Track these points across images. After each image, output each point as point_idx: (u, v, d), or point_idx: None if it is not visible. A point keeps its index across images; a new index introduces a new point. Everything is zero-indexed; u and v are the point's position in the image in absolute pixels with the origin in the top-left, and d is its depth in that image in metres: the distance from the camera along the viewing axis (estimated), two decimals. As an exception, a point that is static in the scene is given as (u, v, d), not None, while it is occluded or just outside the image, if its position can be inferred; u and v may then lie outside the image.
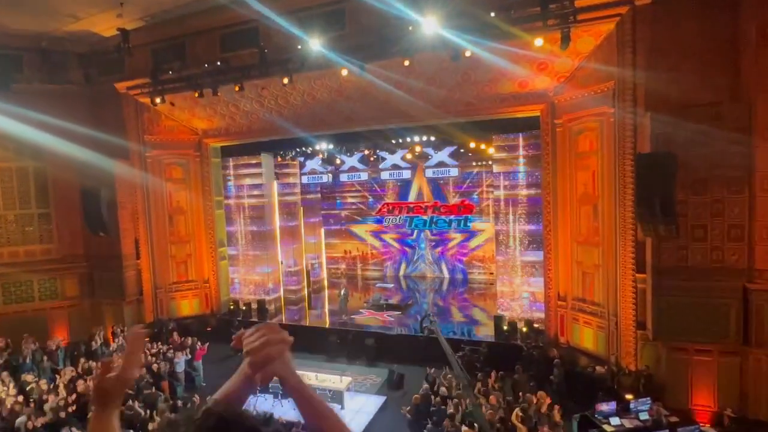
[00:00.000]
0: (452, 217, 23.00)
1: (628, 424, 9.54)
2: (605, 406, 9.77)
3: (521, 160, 15.11)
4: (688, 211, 9.93)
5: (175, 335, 15.43)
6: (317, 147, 18.64)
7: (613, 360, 11.52)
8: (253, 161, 18.82)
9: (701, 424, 9.49)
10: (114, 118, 16.23)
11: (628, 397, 10.23)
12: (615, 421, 9.58)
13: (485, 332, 15.39)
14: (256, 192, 18.82)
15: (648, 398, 9.93)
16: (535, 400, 9.99)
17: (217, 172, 18.31)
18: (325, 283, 23.48)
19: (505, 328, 14.29)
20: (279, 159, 20.03)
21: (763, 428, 9.41)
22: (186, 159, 17.70)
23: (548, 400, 9.94)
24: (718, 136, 9.45)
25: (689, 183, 9.84)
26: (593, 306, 12.39)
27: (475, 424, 9.16)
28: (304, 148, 19.01)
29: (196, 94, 14.72)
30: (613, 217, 11.54)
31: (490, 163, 19.06)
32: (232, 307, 18.23)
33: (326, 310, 20.38)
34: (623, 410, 9.83)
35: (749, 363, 9.76)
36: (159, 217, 17.26)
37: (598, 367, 11.49)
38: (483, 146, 17.91)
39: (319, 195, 24.51)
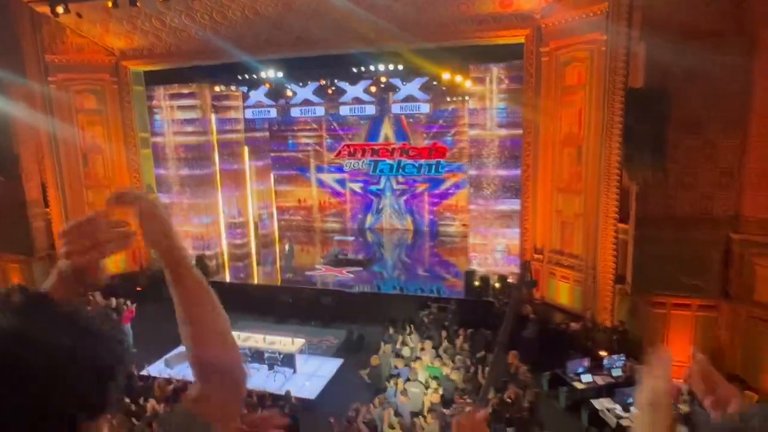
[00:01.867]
0: (422, 161, 22.97)
1: (600, 380, 10.26)
2: (577, 364, 10.42)
3: (501, 95, 15.03)
4: (679, 156, 10.23)
5: (98, 297, 15.08)
6: (263, 74, 17.82)
7: (588, 316, 12.18)
8: (186, 90, 17.87)
9: (674, 380, 10.31)
10: (4, 33, 14.81)
11: (602, 353, 10.93)
12: (587, 378, 10.27)
13: (456, 289, 15.88)
14: (190, 128, 18.01)
15: (622, 355, 10.64)
16: (496, 358, 10.50)
17: (140, 103, 17.31)
18: (276, 236, 23.33)
19: (477, 283, 14.76)
20: (217, 88, 19.09)
21: (736, 383, 10.34)
22: (100, 86, 16.58)
23: (516, 359, 10.47)
24: (716, 71, 9.60)
25: (683, 124, 10.06)
26: (571, 259, 12.91)
27: (441, 386, 9.59)
28: (247, 76, 18.14)
29: (109, 3, 13.58)
30: (598, 161, 11.80)
31: (466, 99, 18.88)
32: (165, 263, 17.86)
33: (277, 266, 20.37)
34: (596, 367, 10.52)
35: (726, 317, 10.54)
36: (70, 157, 16.32)
37: (572, 324, 12.16)
38: (458, 78, 17.62)
39: (267, 133, 23.76)
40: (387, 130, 23.10)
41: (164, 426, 0.97)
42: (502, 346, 10.25)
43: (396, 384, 9.72)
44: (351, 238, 22.95)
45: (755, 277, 10.05)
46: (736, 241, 10.20)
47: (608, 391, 9.92)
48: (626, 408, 9.19)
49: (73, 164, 16.40)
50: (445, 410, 8.81)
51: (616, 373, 10.37)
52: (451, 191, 22.76)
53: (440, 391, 9.56)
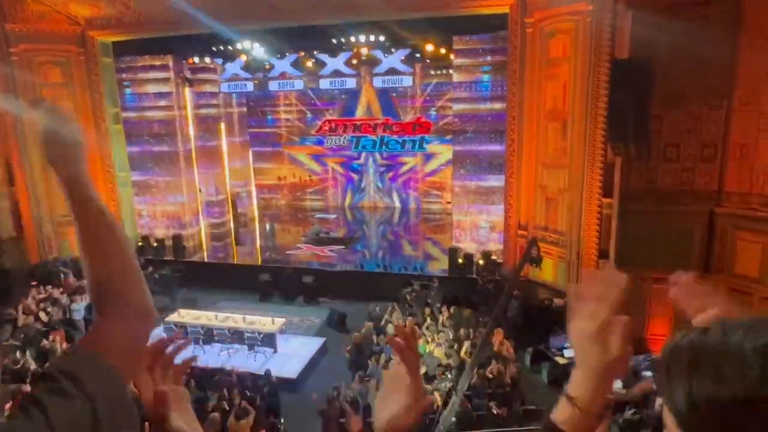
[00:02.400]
0: (406, 137, 22.97)
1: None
2: (559, 339, 10.74)
3: (485, 67, 15.05)
4: (662, 128, 10.43)
5: (71, 278, 15.00)
6: (239, 46, 17.55)
7: (572, 292, 12.47)
8: (158, 63, 17.53)
9: (654, 353, 10.71)
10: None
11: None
12: (569, 353, 10.59)
13: (440, 267, 16.10)
14: (163, 102, 17.73)
15: (605, 329, 10.96)
16: (487, 336, 10.77)
17: (109, 76, 16.94)
18: (256, 214, 23.28)
19: (461, 261, 14.99)
20: (191, 61, 18.76)
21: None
22: (66, 57, 16.15)
23: (501, 336, 10.75)
24: (701, 42, 9.74)
25: (667, 95, 10.24)
26: (555, 235, 13.16)
27: (423, 363, 9.82)
28: (222, 48, 17.84)
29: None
30: (583, 135, 11.95)
31: (450, 72, 18.83)
32: (140, 243, 17.77)
33: (257, 245, 20.39)
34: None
35: (708, 290, 10.90)
36: (36, 133, 15.91)
37: (556, 300, 12.46)
38: (442, 50, 17.56)
39: (244, 108, 23.48)
40: (369, 105, 22.98)
41: (60, 368, 0.89)
42: (494, 323, 10.49)
43: (378, 361, 9.93)
44: (333, 216, 23.02)
45: (736, 250, 10.40)
46: (719, 214, 10.51)
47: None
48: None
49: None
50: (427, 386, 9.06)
51: (598, 347, 10.68)
52: (435, 168, 22.85)
53: (423, 368, 9.80)
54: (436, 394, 9.00)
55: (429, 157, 22.90)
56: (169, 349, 1.20)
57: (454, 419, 8.19)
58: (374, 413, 1.21)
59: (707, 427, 0.69)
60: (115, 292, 1.02)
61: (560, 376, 10.41)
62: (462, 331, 11.12)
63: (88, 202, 1.06)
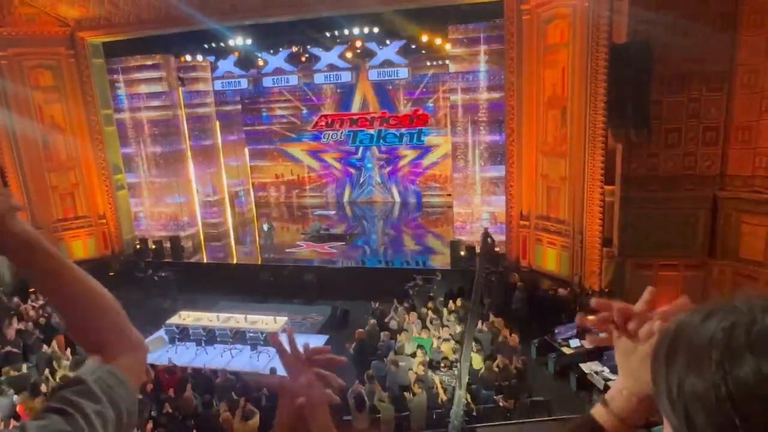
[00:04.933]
0: (404, 130, 22.90)
1: (588, 344, 10.58)
2: (565, 329, 10.74)
3: (482, 57, 14.97)
4: (663, 113, 10.38)
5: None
6: (231, 42, 17.46)
7: (576, 281, 12.49)
8: (149, 62, 17.46)
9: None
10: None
11: (590, 318, 11.24)
12: (574, 343, 10.61)
13: (442, 261, 16.08)
14: (156, 102, 17.67)
15: (610, 318, 10.96)
16: (492, 328, 10.78)
17: (101, 78, 16.87)
18: (254, 213, 23.25)
19: (463, 253, 14.97)
20: (183, 59, 18.66)
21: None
22: (56, 60, 16.08)
23: (505, 329, 10.75)
24: (701, 25, 9.68)
25: (666, 79, 10.19)
26: (558, 224, 13.13)
27: (427, 355, 9.84)
28: (214, 44, 17.76)
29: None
30: (583, 122, 11.90)
31: (446, 62, 18.75)
32: (138, 246, 17.76)
33: (257, 244, 20.36)
34: (583, 332, 10.84)
35: (713, 275, 10.90)
36: (28, 138, 15.90)
37: (560, 290, 12.46)
38: (438, 40, 17.48)
39: (239, 106, 23.41)
40: (366, 98, 22.90)
41: (88, 377, 0.93)
42: (475, 314, 10.62)
43: (383, 357, 9.93)
44: (332, 213, 22.98)
45: (741, 234, 10.37)
46: (723, 198, 10.48)
47: (597, 354, 10.26)
48: (614, 370, 9.54)
49: (33, 146, 15.99)
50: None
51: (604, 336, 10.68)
52: (434, 160, 22.80)
53: (426, 363, 9.79)
54: (441, 388, 9.02)
55: (427, 149, 22.84)
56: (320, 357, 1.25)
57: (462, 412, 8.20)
58: None
59: (689, 414, 0.66)
60: (115, 335, 1.07)
61: (566, 366, 10.42)
62: (466, 326, 11.10)
63: (36, 251, 0.99)
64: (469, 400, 8.77)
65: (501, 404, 8.72)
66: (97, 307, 1.05)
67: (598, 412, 1.00)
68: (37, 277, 1.01)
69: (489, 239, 13.98)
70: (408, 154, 23.20)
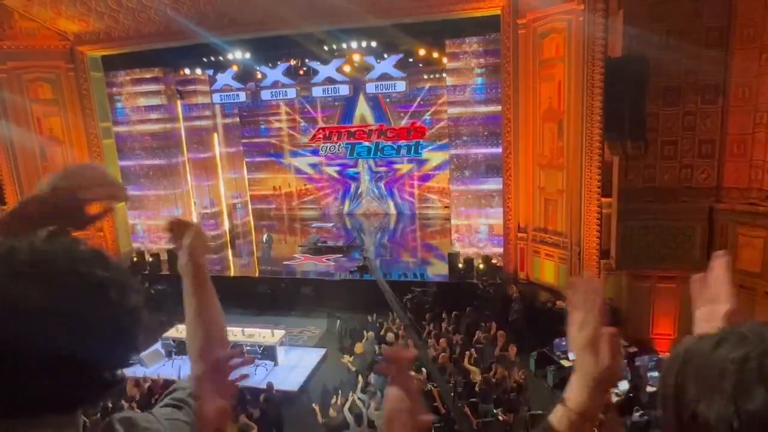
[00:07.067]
0: (401, 142, 23.00)
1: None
2: (563, 342, 10.70)
3: (478, 70, 15.10)
4: (659, 125, 10.47)
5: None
6: (229, 56, 17.59)
7: (574, 293, 12.46)
8: (148, 75, 17.55)
9: (660, 353, 10.68)
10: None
11: None
12: (573, 355, 10.54)
13: (439, 272, 16.07)
14: (154, 115, 17.73)
15: (608, 330, 10.94)
16: (490, 340, 10.74)
17: (100, 91, 16.94)
18: (252, 225, 23.23)
19: (460, 265, 14.96)
20: (182, 73, 18.78)
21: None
22: (56, 73, 16.15)
23: (503, 340, 10.71)
24: (694, 38, 9.82)
25: (661, 92, 10.29)
26: (555, 236, 13.16)
27: (423, 368, 9.78)
28: (212, 58, 17.89)
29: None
30: (580, 135, 11.98)
31: (443, 75, 18.91)
32: (135, 259, 17.69)
33: (255, 257, 20.32)
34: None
35: (711, 287, 10.90)
36: (27, 150, 15.94)
37: (558, 302, 12.43)
38: (435, 54, 17.65)
39: (237, 119, 23.50)
40: (363, 111, 23.03)
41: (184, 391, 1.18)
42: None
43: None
44: (330, 225, 22.98)
45: (738, 245, 10.41)
46: (719, 210, 10.53)
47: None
48: (613, 382, 9.49)
49: (31, 158, 16.01)
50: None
51: (603, 348, 10.66)
52: (431, 173, 22.88)
53: (424, 376, 9.74)
54: (439, 401, 8.96)
55: (425, 162, 22.93)
56: (229, 362, 1.28)
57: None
58: None
59: None
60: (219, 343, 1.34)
61: (565, 379, 10.34)
62: (463, 338, 11.07)
63: (207, 283, 1.37)
64: (469, 413, 8.72)
65: (500, 418, 8.66)
66: (221, 319, 1.38)
67: (557, 415, 1.02)
68: (201, 299, 1.34)
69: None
70: (405, 166, 23.28)
